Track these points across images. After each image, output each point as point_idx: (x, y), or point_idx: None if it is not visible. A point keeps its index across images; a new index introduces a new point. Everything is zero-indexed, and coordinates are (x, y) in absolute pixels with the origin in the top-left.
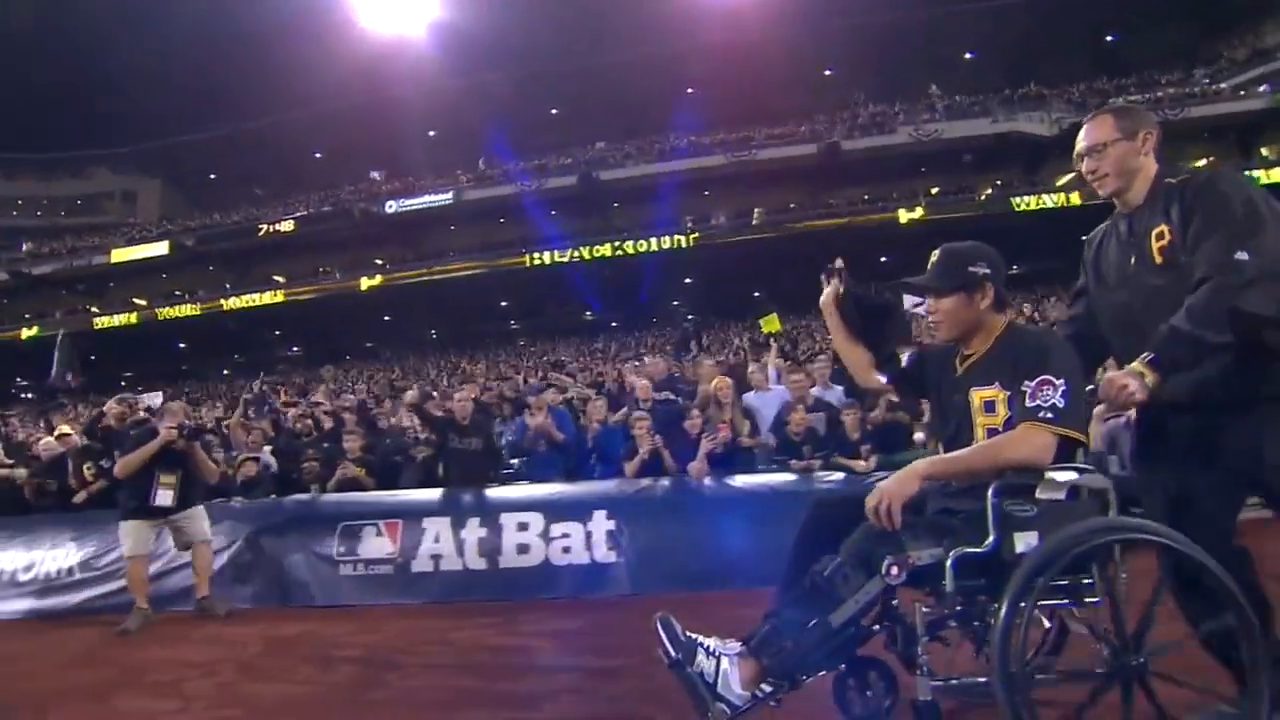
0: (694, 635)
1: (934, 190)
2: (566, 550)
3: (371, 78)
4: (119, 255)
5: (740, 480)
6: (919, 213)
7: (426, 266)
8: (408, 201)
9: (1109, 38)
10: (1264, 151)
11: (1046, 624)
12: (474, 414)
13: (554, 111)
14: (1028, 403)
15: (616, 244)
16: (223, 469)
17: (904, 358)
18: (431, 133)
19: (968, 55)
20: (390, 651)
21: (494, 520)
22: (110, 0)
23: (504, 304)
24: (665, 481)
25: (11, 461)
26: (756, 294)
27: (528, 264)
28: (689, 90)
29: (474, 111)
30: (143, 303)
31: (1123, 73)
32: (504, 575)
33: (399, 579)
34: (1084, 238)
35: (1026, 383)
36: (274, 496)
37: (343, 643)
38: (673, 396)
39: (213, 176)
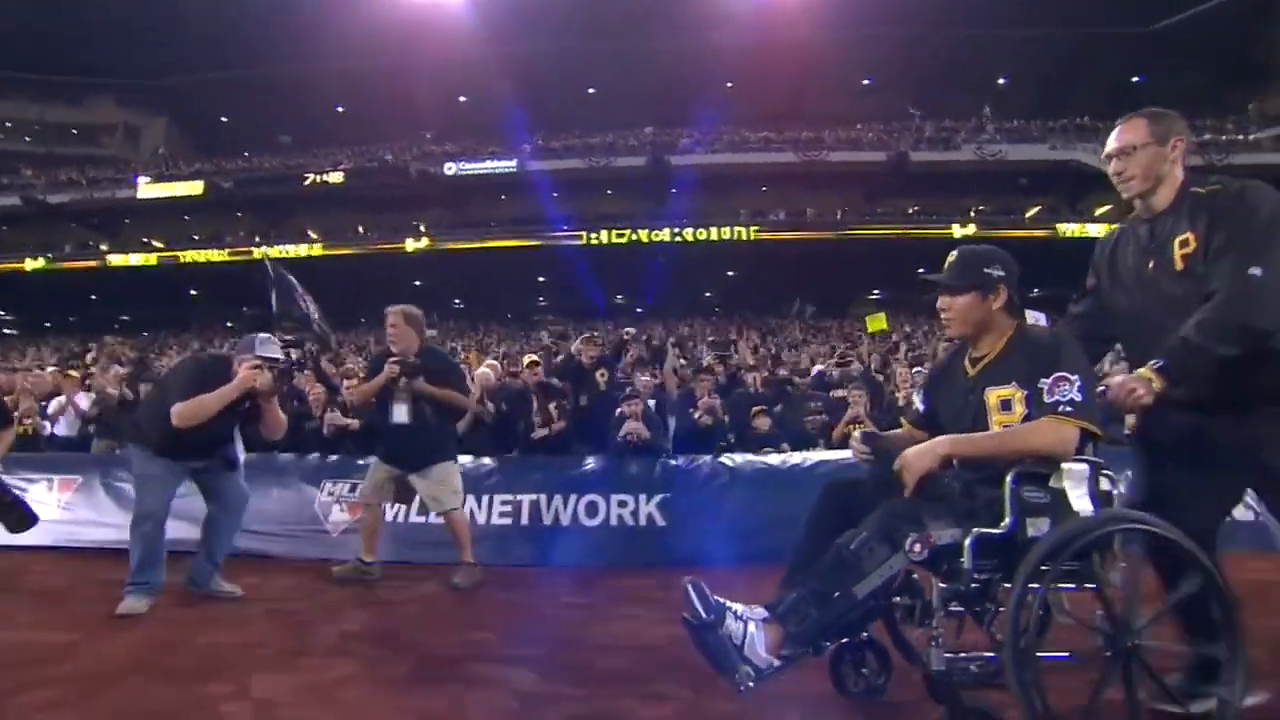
0: (722, 599)
1: (982, 208)
2: None
3: (402, 37)
4: (146, 191)
5: None
6: (971, 229)
7: (476, 235)
8: (469, 165)
9: (1134, 78)
10: None
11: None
12: None
13: (590, 91)
14: (1046, 399)
15: (676, 230)
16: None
17: (918, 401)
18: (462, 99)
19: (1000, 80)
20: None
21: None
22: None
23: (541, 279)
24: None
25: None
26: (798, 296)
27: (584, 242)
28: (727, 85)
29: (506, 82)
30: (160, 244)
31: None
32: None
33: None
34: (1099, 237)
35: (1043, 380)
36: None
37: None
38: None
39: (224, 120)
